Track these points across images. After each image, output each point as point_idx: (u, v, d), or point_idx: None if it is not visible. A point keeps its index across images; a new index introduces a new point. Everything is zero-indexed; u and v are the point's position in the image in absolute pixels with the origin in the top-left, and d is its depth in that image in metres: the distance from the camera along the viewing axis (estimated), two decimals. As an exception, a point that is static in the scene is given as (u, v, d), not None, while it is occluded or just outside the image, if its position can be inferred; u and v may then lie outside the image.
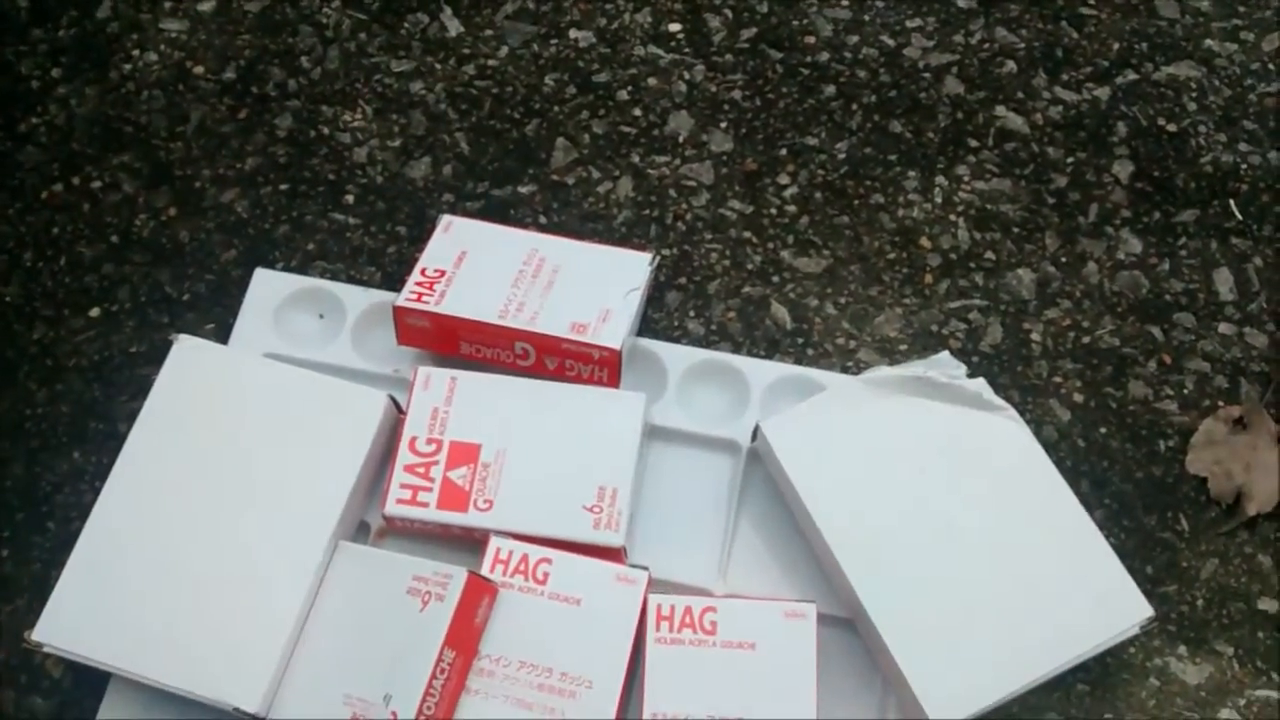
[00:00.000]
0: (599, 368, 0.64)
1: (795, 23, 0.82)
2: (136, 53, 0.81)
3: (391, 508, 0.60)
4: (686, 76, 0.80)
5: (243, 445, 0.62)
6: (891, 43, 0.81)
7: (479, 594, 0.56)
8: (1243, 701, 0.62)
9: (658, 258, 0.69)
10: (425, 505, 0.60)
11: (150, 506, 0.60)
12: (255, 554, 0.59)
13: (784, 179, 0.76)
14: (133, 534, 0.60)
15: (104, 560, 0.59)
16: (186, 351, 0.64)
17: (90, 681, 0.61)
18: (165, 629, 0.58)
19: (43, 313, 0.73)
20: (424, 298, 0.65)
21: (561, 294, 0.66)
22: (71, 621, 0.58)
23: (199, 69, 0.81)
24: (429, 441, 0.62)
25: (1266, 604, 0.64)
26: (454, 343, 0.65)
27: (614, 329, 0.64)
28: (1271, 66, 0.80)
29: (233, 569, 0.59)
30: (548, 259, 0.68)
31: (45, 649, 0.57)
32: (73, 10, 0.83)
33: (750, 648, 0.56)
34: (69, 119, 0.79)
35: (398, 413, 0.64)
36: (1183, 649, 0.63)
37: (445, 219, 0.70)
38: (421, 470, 0.61)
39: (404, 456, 0.62)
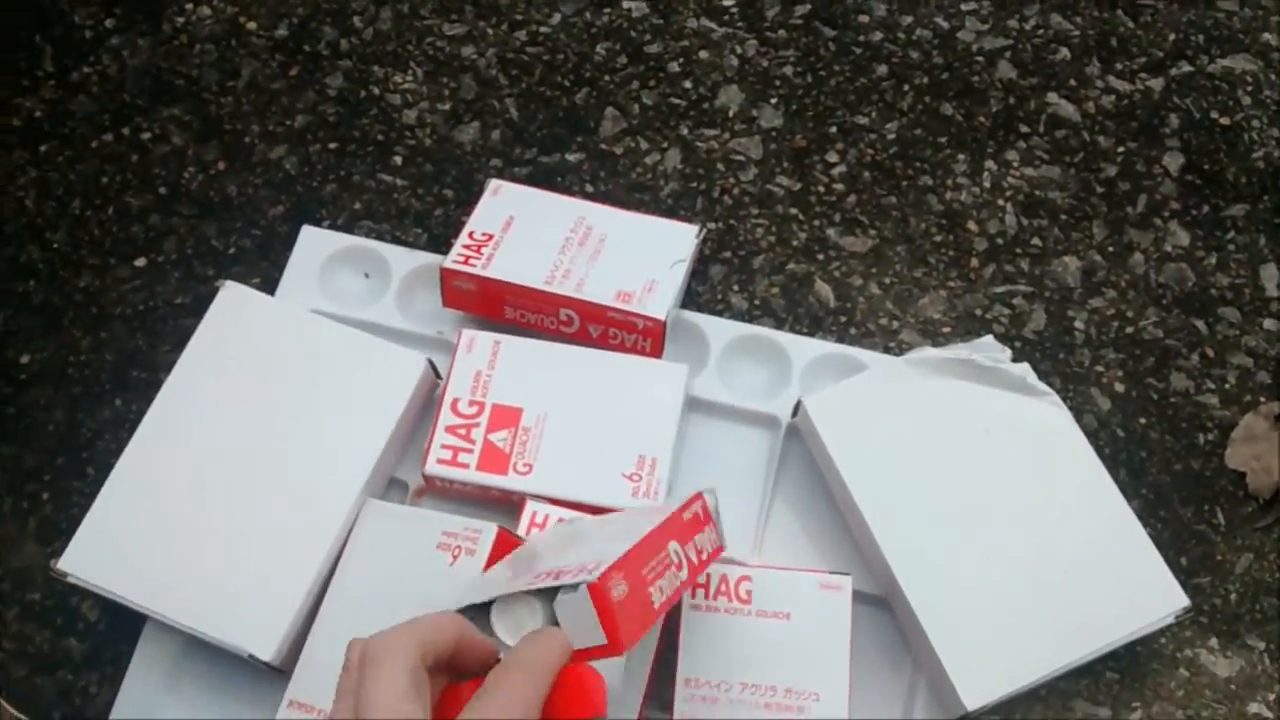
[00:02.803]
0: (642, 337, 0.64)
1: (849, 1, 0.81)
2: (190, 6, 0.82)
3: (432, 467, 0.61)
4: (738, 50, 0.79)
5: (280, 395, 0.62)
6: (945, 25, 0.80)
7: (509, 549, 0.56)
8: (1272, 696, 0.61)
9: (704, 230, 0.69)
10: (465, 466, 0.61)
11: (184, 447, 0.61)
12: (283, 504, 0.60)
13: (833, 157, 0.76)
14: (165, 473, 0.60)
15: (134, 496, 0.60)
16: (232, 298, 0.65)
17: (126, 624, 0.62)
18: (188, 571, 0.58)
19: (89, 261, 0.73)
20: (471, 260, 0.65)
21: (607, 263, 0.66)
22: (97, 554, 0.59)
23: (252, 25, 0.81)
24: (471, 404, 0.62)
25: (1301, 601, 0.64)
26: (499, 307, 0.66)
27: (659, 299, 0.64)
28: (1328, 63, 0.79)
29: (260, 517, 0.59)
30: (595, 227, 0.68)
31: (70, 579, 0.58)
32: (127, -38, 0.83)
33: (785, 617, 0.56)
34: (121, 70, 0.79)
35: (435, 377, 0.65)
36: (1214, 641, 0.63)
37: (494, 183, 0.70)
38: (463, 431, 0.61)
39: (446, 417, 0.62)
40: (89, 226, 0.74)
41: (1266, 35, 0.80)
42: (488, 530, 0.56)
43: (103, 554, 0.59)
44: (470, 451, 0.61)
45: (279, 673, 0.57)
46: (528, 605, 0.46)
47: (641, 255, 0.66)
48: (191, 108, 0.78)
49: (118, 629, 0.63)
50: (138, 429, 0.61)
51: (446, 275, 0.65)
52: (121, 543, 0.59)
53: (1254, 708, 0.61)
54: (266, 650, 0.56)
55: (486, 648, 0.44)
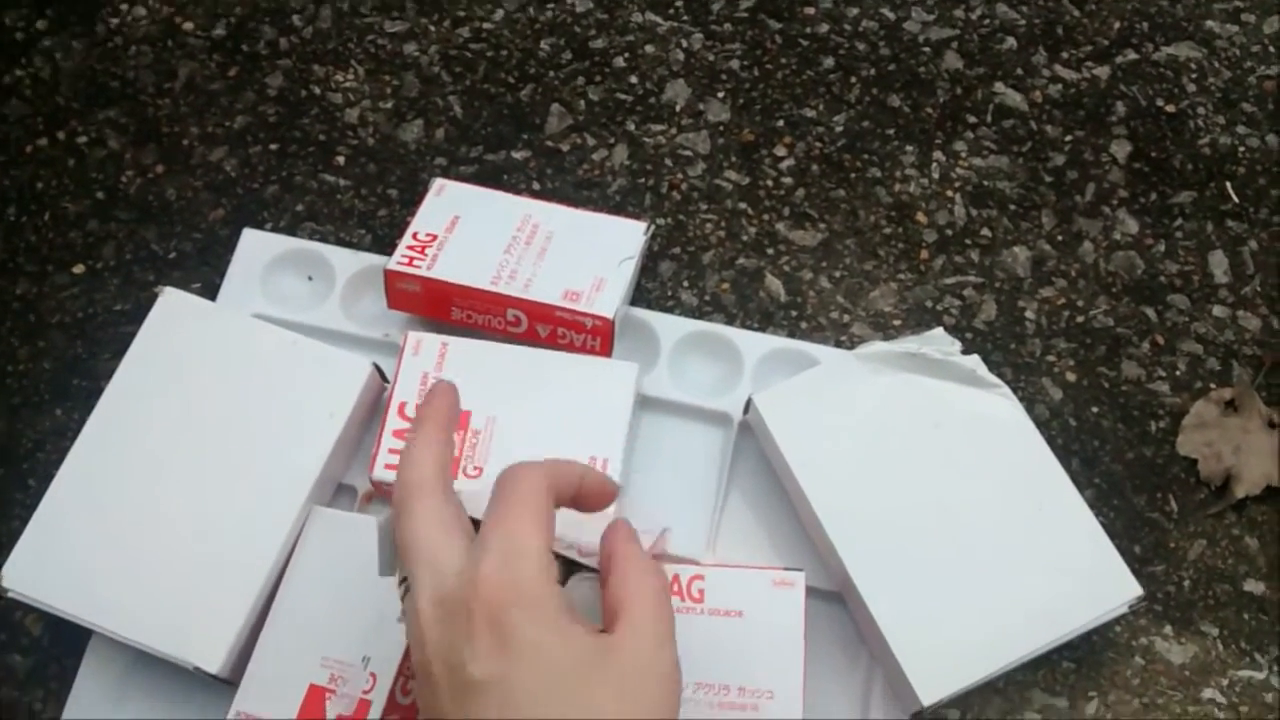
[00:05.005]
0: (591, 336, 0.63)
1: (795, -7, 0.81)
2: (125, 6, 0.80)
3: (380, 472, 0.60)
4: (684, 45, 0.79)
5: (222, 402, 0.61)
6: (891, 16, 0.80)
7: None
8: (1226, 682, 0.62)
9: (653, 226, 0.68)
10: None
11: (125, 458, 0.60)
12: (228, 513, 0.58)
13: (781, 150, 0.75)
14: (106, 485, 0.59)
15: (75, 509, 0.59)
16: (171, 304, 0.63)
17: (70, 639, 0.60)
18: (132, 583, 0.57)
19: (26, 268, 0.72)
20: (415, 262, 0.64)
21: (555, 261, 0.65)
22: (38, 569, 0.57)
23: (188, 25, 0.79)
24: (418, 407, 0.61)
25: (1252, 586, 0.64)
26: (445, 308, 0.65)
27: (607, 298, 0.63)
28: (1272, 49, 0.79)
29: (204, 527, 0.58)
30: (541, 225, 0.67)
31: (10, 594, 0.57)
32: (60, -39, 0.82)
33: (738, 616, 0.56)
34: (54, 72, 0.78)
35: (381, 380, 0.64)
36: (1168, 629, 0.63)
37: (438, 182, 0.69)
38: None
39: (393, 422, 0.61)
40: (25, 233, 0.73)
41: (1209, 23, 0.80)
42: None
43: (44, 568, 0.57)
44: None
45: (227, 684, 0.56)
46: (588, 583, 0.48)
47: (589, 253, 0.66)
48: (128, 110, 0.76)
49: (62, 644, 0.62)
50: (77, 440, 0.60)
51: (391, 277, 0.64)
52: (63, 556, 0.58)
53: (1208, 693, 0.61)
54: (213, 663, 0.55)
55: (606, 487, 0.47)
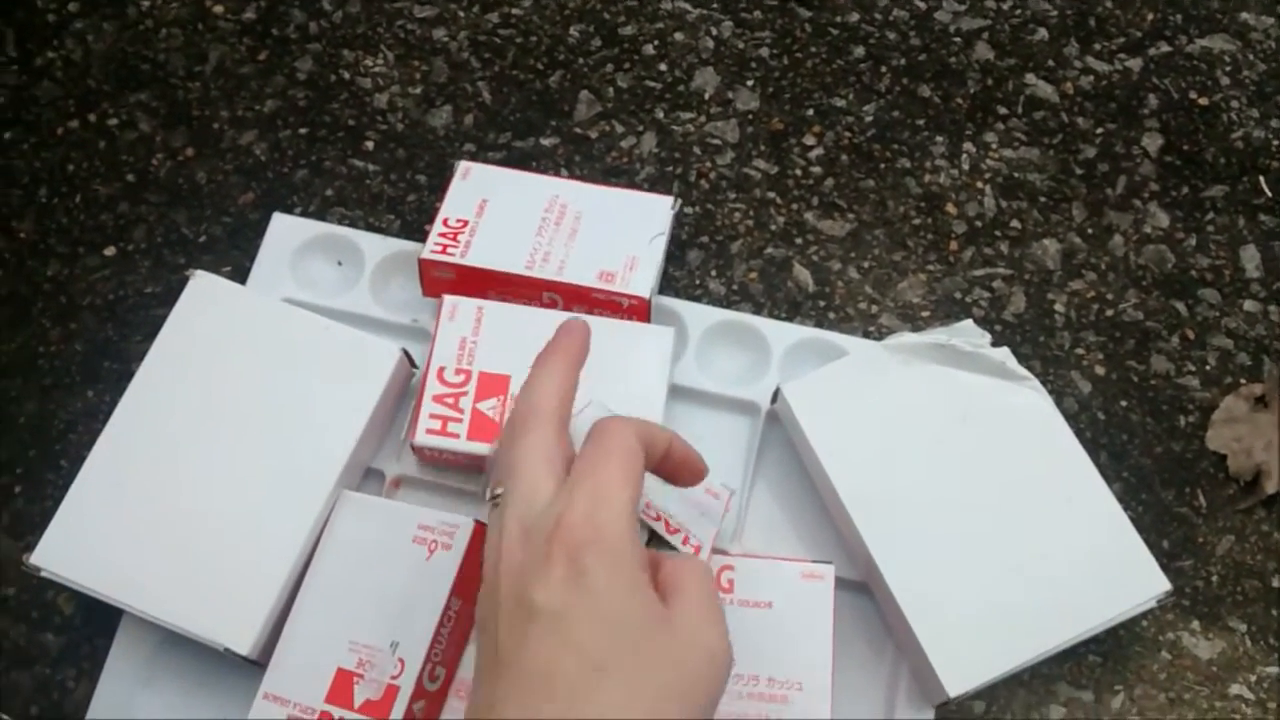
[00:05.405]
0: (627, 316, 0.64)
1: (825, -19, 0.81)
2: (156, -11, 0.80)
3: (421, 438, 0.60)
4: (714, 32, 0.79)
5: (252, 386, 0.61)
6: (922, 5, 0.80)
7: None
8: (1253, 678, 0.62)
9: (679, 201, 0.68)
10: (455, 436, 0.60)
11: (156, 439, 0.60)
12: (258, 496, 0.59)
13: (810, 140, 0.75)
14: (137, 466, 0.59)
15: (107, 489, 0.59)
16: (203, 288, 0.63)
17: (102, 618, 0.61)
18: (163, 564, 0.57)
19: (57, 250, 0.72)
20: (449, 250, 0.64)
21: (586, 242, 0.65)
22: (70, 548, 0.58)
23: (218, 8, 0.80)
24: (458, 372, 0.61)
25: (1281, 582, 0.64)
26: (481, 293, 0.65)
27: (642, 277, 0.63)
28: (1306, 42, 0.79)
29: (234, 509, 0.58)
30: (569, 205, 0.67)
31: (43, 573, 0.57)
32: (91, -56, 0.82)
33: (767, 607, 0.56)
34: (86, 55, 0.78)
35: (410, 365, 0.64)
36: (1196, 624, 0.63)
37: (463, 165, 0.69)
38: (450, 401, 0.61)
39: (432, 386, 0.61)
40: (56, 215, 0.73)
41: (1244, 15, 0.79)
42: (465, 525, 0.56)
43: (76, 548, 0.58)
44: (460, 421, 0.60)
45: (257, 666, 0.56)
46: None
47: (619, 231, 0.65)
48: (159, 93, 0.77)
49: (94, 623, 0.62)
50: (109, 421, 0.60)
51: (425, 266, 0.64)
52: (95, 536, 0.58)
53: (1235, 689, 0.61)
54: (243, 644, 0.56)
55: (693, 458, 0.48)
